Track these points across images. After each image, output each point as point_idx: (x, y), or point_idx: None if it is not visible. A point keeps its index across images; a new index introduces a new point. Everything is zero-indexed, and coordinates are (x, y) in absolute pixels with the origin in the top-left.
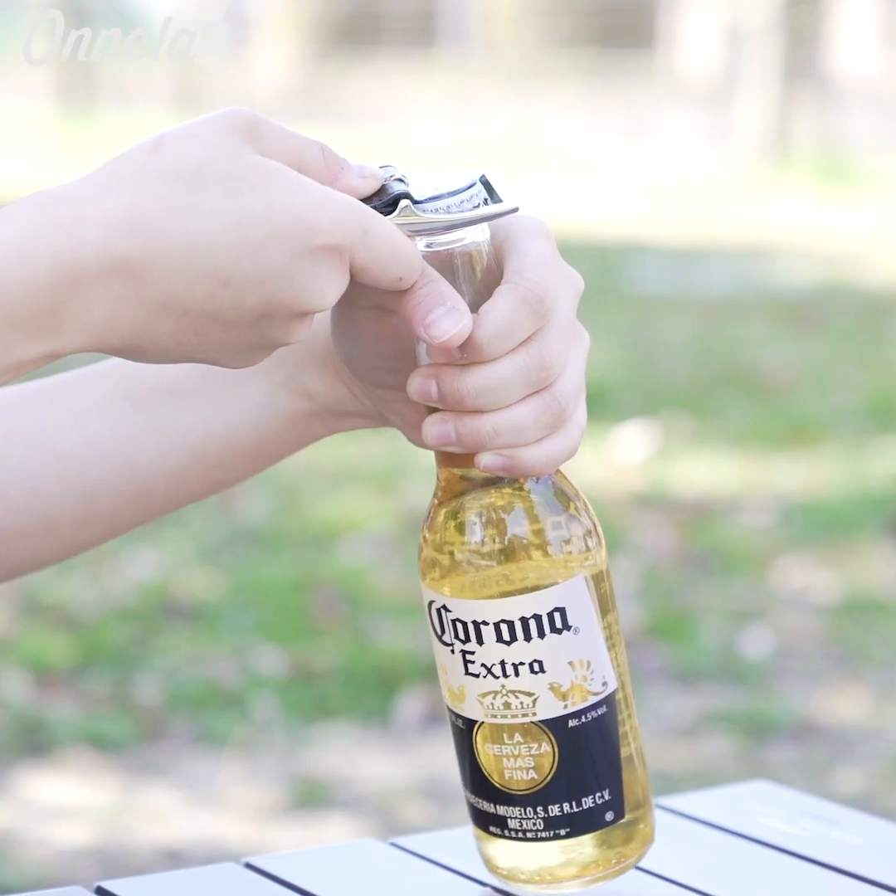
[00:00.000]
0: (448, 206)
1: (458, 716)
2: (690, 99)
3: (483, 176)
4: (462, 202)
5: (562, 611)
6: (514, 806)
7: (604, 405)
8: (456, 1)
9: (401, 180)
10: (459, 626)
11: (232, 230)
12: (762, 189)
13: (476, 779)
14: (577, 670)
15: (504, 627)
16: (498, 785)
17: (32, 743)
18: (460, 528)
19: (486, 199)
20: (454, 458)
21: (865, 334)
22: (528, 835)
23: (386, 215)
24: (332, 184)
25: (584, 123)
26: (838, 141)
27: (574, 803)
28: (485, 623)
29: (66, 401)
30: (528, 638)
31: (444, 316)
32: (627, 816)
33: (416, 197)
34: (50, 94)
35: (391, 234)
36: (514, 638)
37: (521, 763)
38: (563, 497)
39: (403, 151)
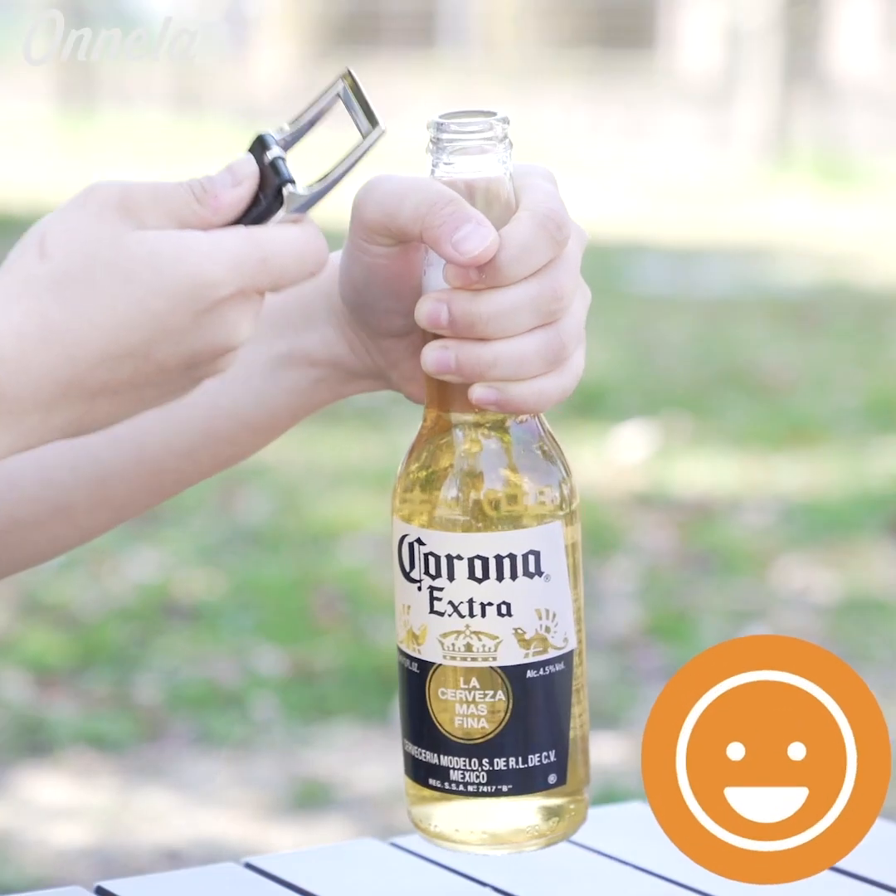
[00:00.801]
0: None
1: (413, 659)
2: (690, 99)
3: (344, 93)
4: (346, 157)
5: (536, 555)
6: (460, 756)
7: (604, 405)
8: (456, 1)
9: (280, 158)
10: (431, 560)
11: (135, 310)
12: (762, 189)
13: (422, 727)
14: (542, 620)
15: (477, 563)
16: (445, 733)
17: (32, 743)
18: (442, 464)
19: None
20: (443, 399)
21: (865, 334)
22: (470, 788)
23: (276, 208)
24: (213, 216)
25: (584, 123)
26: (838, 141)
27: (520, 759)
28: (459, 557)
29: None
30: (499, 577)
31: (473, 232)
32: (567, 791)
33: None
34: (50, 94)
35: (289, 242)
36: (485, 576)
37: (473, 710)
38: (546, 444)
39: (403, 151)
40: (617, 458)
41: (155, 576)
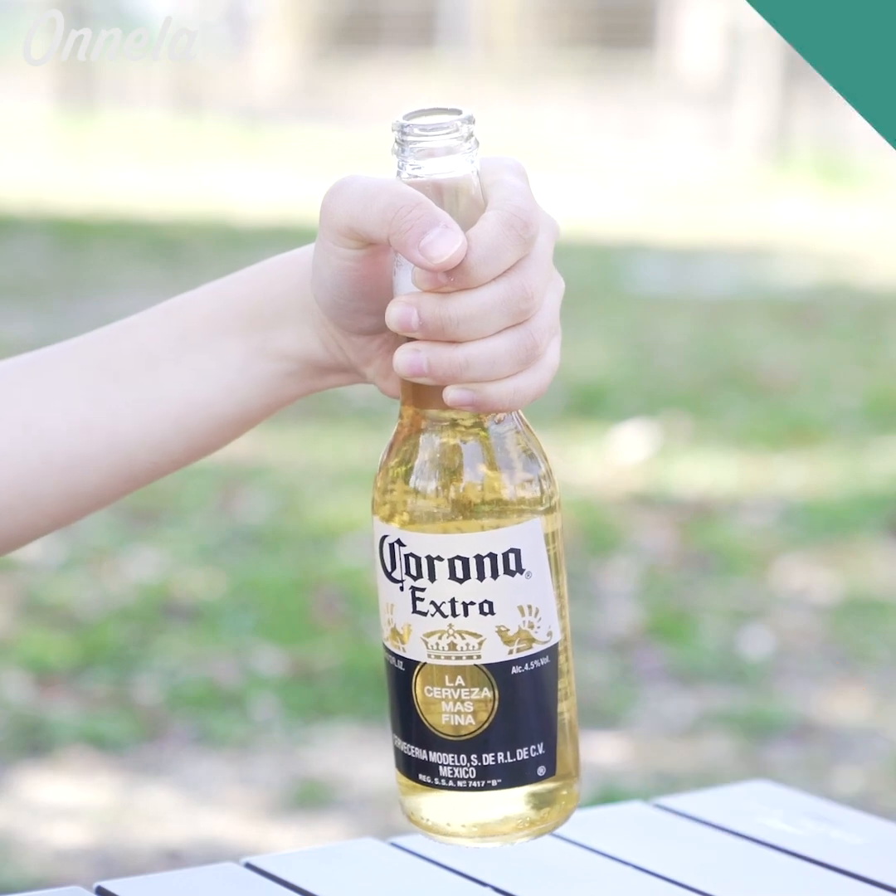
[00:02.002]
0: None
1: (398, 657)
2: (690, 99)
3: None
4: None
5: (517, 552)
6: (448, 752)
7: (604, 405)
8: (456, 1)
9: None
10: (412, 561)
11: None
12: (762, 189)
13: (410, 724)
14: (525, 616)
15: (458, 564)
16: (433, 730)
17: (32, 743)
18: (420, 463)
19: None
20: (419, 397)
21: (865, 334)
22: (460, 783)
23: None
24: None
25: (585, 123)
26: (838, 141)
27: (508, 753)
28: (439, 558)
29: (44, 376)
30: (480, 577)
31: (440, 236)
32: (556, 778)
33: None
34: (50, 94)
35: None
36: (467, 576)
37: (459, 707)
38: (524, 440)
39: None
40: (617, 458)
41: (155, 576)
